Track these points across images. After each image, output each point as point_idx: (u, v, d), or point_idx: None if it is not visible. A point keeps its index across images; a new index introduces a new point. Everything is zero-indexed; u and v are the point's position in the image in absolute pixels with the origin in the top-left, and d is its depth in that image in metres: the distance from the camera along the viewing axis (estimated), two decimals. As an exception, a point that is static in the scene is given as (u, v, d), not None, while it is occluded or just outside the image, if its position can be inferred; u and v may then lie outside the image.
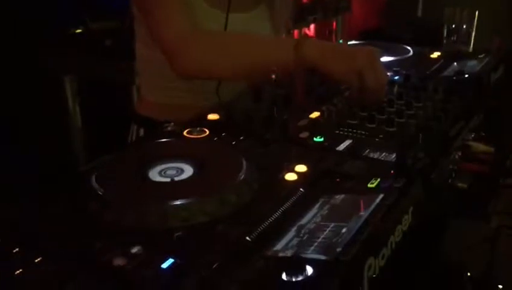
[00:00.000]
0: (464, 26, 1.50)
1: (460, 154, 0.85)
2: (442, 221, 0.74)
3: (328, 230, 0.59)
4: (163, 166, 0.73)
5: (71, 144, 2.47)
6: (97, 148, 2.28)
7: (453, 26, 1.49)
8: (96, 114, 2.42)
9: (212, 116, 0.94)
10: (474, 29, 1.47)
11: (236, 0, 1.12)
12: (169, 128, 0.90)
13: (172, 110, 1.14)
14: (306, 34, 3.63)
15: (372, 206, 0.62)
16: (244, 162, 0.72)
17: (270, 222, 0.62)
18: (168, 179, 0.69)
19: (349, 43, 1.44)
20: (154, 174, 0.71)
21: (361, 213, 0.61)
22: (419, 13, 1.74)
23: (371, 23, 2.78)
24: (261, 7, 1.20)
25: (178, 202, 0.62)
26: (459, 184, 0.81)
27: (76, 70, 2.35)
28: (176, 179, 0.69)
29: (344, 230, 0.59)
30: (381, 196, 0.65)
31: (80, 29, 2.33)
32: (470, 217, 0.78)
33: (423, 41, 1.47)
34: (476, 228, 0.74)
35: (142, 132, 1.20)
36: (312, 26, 3.56)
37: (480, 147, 0.86)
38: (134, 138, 1.20)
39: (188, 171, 0.72)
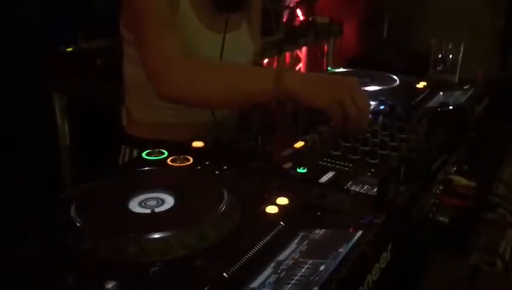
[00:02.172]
0: (450, 56, 1.53)
1: (441, 188, 0.86)
2: (422, 257, 0.74)
3: (305, 267, 0.59)
4: (145, 196, 0.72)
5: (59, 161, 2.46)
6: (85, 166, 2.27)
7: (440, 56, 1.51)
8: (85, 132, 2.41)
9: (197, 144, 0.94)
10: (460, 59, 1.49)
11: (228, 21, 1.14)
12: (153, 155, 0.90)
13: (163, 129, 1.15)
14: (298, 56, 3.67)
15: (351, 243, 0.62)
16: (226, 194, 0.72)
17: (249, 257, 0.62)
18: (149, 210, 0.69)
19: (336, 70, 1.45)
20: (135, 205, 0.70)
21: (340, 250, 0.61)
22: (409, 43, 1.77)
23: (362, 49, 2.81)
24: (243, 25, 1.23)
25: (156, 235, 0.62)
26: (440, 218, 0.82)
27: (66, 88, 2.35)
28: (157, 210, 0.69)
29: (322, 268, 0.58)
30: (360, 232, 0.65)
31: (71, 48, 2.34)
32: (450, 252, 0.78)
33: (412, 70, 1.49)
34: (455, 264, 0.74)
35: (134, 152, 1.20)
36: (304, 49, 3.60)
37: (462, 181, 0.86)
38: (125, 159, 1.20)
39: (169, 202, 0.71)
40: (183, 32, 1.08)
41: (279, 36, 2.90)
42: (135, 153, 1.20)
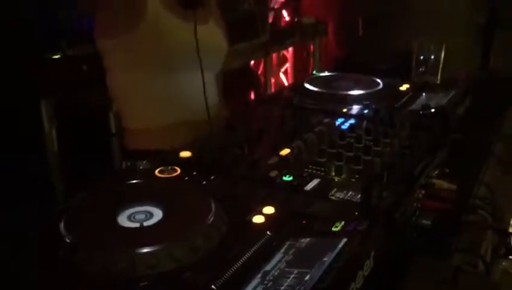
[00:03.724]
0: (432, 57, 1.55)
1: (423, 192, 0.88)
2: (404, 261, 0.76)
3: (291, 277, 0.61)
4: (133, 210, 0.74)
5: (48, 168, 2.45)
6: (74, 172, 2.27)
7: (422, 57, 1.54)
8: (74, 138, 2.41)
9: (184, 154, 0.96)
10: (441, 60, 1.52)
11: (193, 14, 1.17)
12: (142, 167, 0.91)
13: (152, 136, 1.17)
14: (284, 57, 3.68)
15: (335, 252, 0.64)
16: (213, 205, 0.73)
17: (237, 267, 0.64)
18: (137, 224, 0.70)
19: (321, 75, 1.47)
20: (123, 219, 0.72)
21: (325, 259, 0.63)
22: (392, 44, 1.80)
23: (347, 50, 2.84)
24: (210, 22, 1.28)
25: (145, 250, 0.63)
26: (423, 222, 0.84)
27: (53, 94, 2.34)
28: (145, 224, 0.70)
29: (307, 277, 0.60)
30: (344, 240, 0.67)
31: (57, 54, 2.33)
32: (432, 255, 0.80)
33: (396, 71, 1.51)
34: (437, 266, 0.76)
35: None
36: (290, 49, 3.62)
37: (444, 184, 0.89)
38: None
39: (157, 215, 0.73)
40: (157, 30, 1.11)
41: (265, 38, 2.91)
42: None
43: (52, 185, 2.41)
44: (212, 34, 1.28)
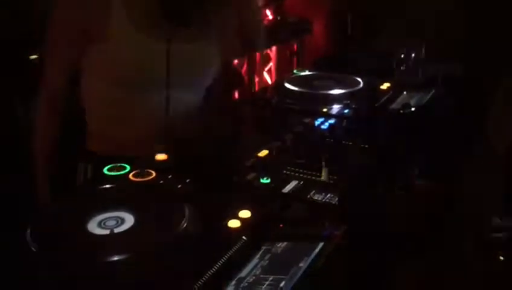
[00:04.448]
0: (413, 56, 1.55)
1: (403, 192, 0.87)
2: (384, 263, 0.75)
3: (266, 284, 0.59)
4: (104, 215, 0.71)
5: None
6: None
7: (402, 56, 1.53)
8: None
9: (160, 157, 0.93)
10: (422, 58, 1.52)
11: (180, 31, 1.09)
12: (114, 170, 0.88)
13: (123, 143, 1.13)
14: (268, 56, 3.67)
15: (311, 257, 0.63)
16: (187, 210, 0.71)
17: (211, 273, 0.62)
18: (108, 231, 0.68)
19: (301, 74, 1.45)
20: (94, 226, 0.69)
21: (300, 265, 0.61)
22: (376, 42, 1.79)
23: (330, 48, 2.83)
24: (203, 40, 1.17)
25: (116, 257, 0.61)
26: (401, 223, 0.83)
27: (28, 96, 2.30)
28: (116, 230, 0.68)
29: (282, 284, 0.59)
30: (321, 245, 0.65)
31: (35, 55, 2.29)
32: (412, 255, 0.79)
33: (379, 71, 1.49)
34: (418, 266, 0.75)
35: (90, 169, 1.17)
36: (274, 48, 3.60)
37: (422, 185, 0.88)
38: (84, 176, 1.18)
39: (129, 221, 0.70)
40: (121, 44, 1.06)
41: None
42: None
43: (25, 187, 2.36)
44: (198, 52, 1.16)
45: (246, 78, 3.37)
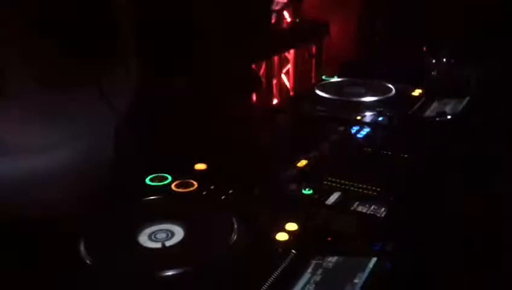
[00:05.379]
0: (444, 60, 1.54)
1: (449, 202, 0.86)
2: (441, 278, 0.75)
3: (323, 300, 0.59)
4: (153, 228, 0.72)
5: None
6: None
7: (433, 61, 1.52)
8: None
9: (200, 167, 0.93)
10: (453, 64, 1.50)
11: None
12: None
13: None
14: (286, 58, 3.66)
15: (366, 273, 0.62)
16: (236, 222, 0.71)
17: (266, 288, 0.61)
18: (159, 244, 0.68)
19: (331, 80, 1.45)
20: (145, 239, 0.69)
21: (355, 281, 0.61)
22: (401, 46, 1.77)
23: (351, 51, 2.81)
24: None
25: (174, 271, 0.61)
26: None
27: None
28: (167, 243, 0.68)
29: (339, 300, 0.58)
30: (374, 259, 0.65)
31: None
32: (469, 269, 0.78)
33: (407, 76, 1.47)
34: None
35: None
36: (292, 50, 3.60)
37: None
38: None
39: (179, 233, 0.71)
40: None
41: (267, 40, 2.89)
42: None
43: None
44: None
45: (264, 81, 3.37)
